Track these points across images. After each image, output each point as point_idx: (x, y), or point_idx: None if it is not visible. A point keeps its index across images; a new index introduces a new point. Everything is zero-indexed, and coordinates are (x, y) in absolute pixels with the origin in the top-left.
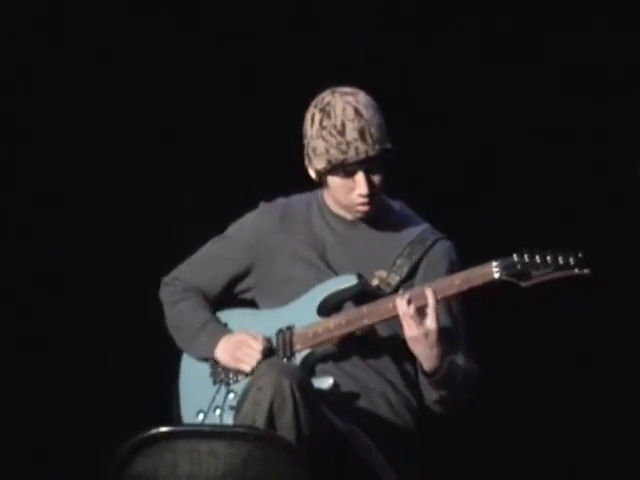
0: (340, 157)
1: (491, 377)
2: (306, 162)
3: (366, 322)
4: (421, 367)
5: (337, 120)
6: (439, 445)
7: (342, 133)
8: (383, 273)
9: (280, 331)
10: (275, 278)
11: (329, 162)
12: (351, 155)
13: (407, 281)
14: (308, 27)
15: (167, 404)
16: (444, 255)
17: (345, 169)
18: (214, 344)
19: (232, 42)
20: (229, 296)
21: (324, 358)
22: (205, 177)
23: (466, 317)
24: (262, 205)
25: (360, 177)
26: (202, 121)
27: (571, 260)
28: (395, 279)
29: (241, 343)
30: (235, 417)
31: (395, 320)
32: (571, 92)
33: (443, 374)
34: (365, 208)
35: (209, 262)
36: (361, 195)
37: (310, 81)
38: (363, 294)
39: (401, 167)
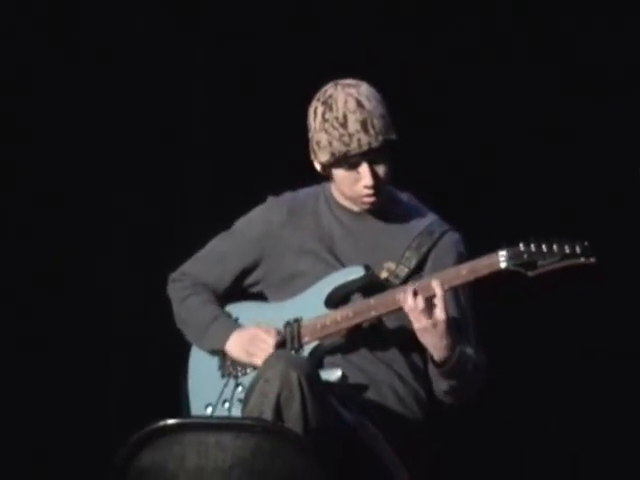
0: (343, 149)
1: (498, 368)
2: (311, 155)
3: (374, 314)
4: (431, 357)
5: (339, 112)
6: (447, 437)
7: (344, 125)
8: (392, 265)
9: (288, 323)
10: (283, 272)
11: (332, 155)
12: (354, 147)
13: (416, 273)
14: (308, 27)
15: (167, 404)
16: (452, 247)
17: (348, 161)
18: (225, 337)
19: (232, 42)
20: (237, 290)
21: (332, 350)
22: (205, 177)
23: (474, 307)
24: (270, 199)
25: (364, 169)
26: (202, 121)
27: (577, 249)
28: (404, 271)
29: (254, 337)
30: (243, 409)
31: (403, 312)
32: (571, 92)
33: (453, 364)
34: (371, 199)
35: (217, 257)
36: (366, 186)
37: (310, 81)
38: (371, 286)
39: (402, 165)
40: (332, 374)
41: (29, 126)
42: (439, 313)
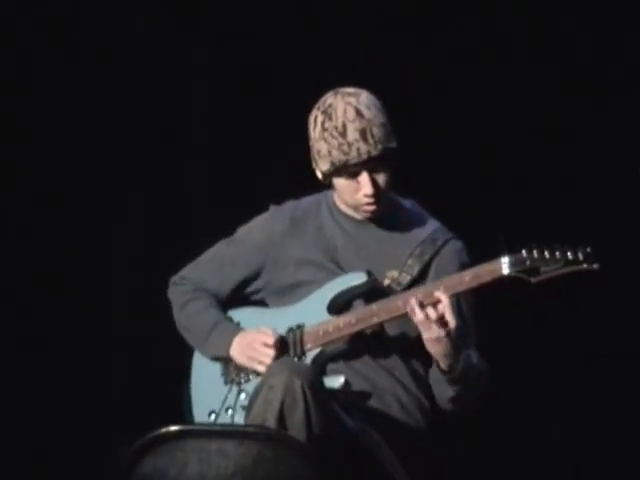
0: (342, 158)
1: (500, 374)
2: (313, 164)
3: (376, 320)
4: (438, 365)
5: (338, 121)
6: (450, 444)
7: (343, 134)
8: (395, 273)
9: (290, 330)
10: (284, 281)
11: (332, 164)
12: (353, 156)
13: (418, 281)
14: (308, 27)
15: (168, 404)
16: (455, 255)
17: (348, 170)
18: (227, 343)
19: (232, 42)
20: (238, 297)
21: (334, 357)
22: (205, 177)
23: (476, 314)
24: (272, 208)
25: (364, 177)
26: (202, 121)
27: (580, 255)
28: (406, 279)
29: (254, 342)
30: (246, 416)
31: (405, 318)
32: (571, 92)
33: (460, 370)
34: (371, 208)
35: (218, 264)
36: (366, 195)
37: (310, 80)
38: (373, 292)
39: (402, 166)
40: (335, 381)
41: (29, 126)
42: (450, 321)
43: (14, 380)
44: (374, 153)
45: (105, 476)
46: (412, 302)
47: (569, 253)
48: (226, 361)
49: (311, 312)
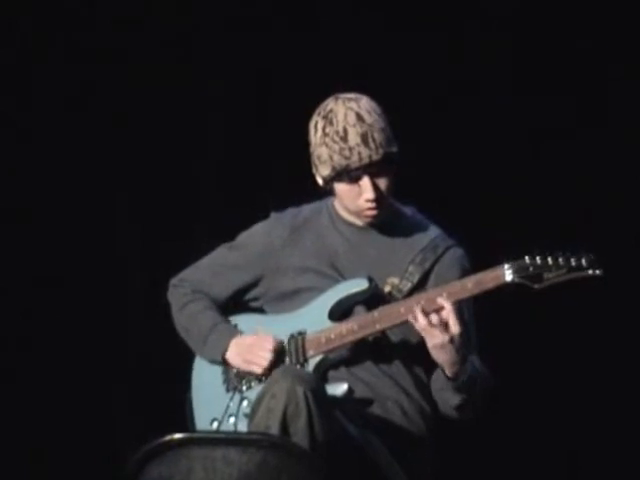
0: (344, 163)
1: (503, 381)
2: (313, 170)
3: (378, 327)
4: (443, 372)
5: (339, 126)
6: (452, 451)
7: (344, 139)
8: (395, 280)
9: (292, 336)
10: (284, 289)
11: (333, 169)
12: (354, 160)
13: (419, 288)
14: (308, 27)
15: (167, 403)
16: (456, 262)
17: (350, 175)
18: (225, 346)
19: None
20: (237, 303)
21: (336, 364)
22: (209, 181)
23: (476, 321)
24: (273, 215)
25: (365, 182)
26: (208, 127)
27: (583, 261)
28: (407, 285)
29: (252, 345)
30: (249, 424)
31: (407, 325)
32: (571, 92)
33: (467, 377)
34: (373, 212)
35: (218, 269)
36: (368, 200)
37: (312, 87)
38: (374, 299)
39: (403, 172)
40: (338, 388)
41: (29, 126)
42: (453, 327)
43: (16, 381)
44: (375, 157)
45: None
46: (415, 309)
47: (572, 259)
48: (227, 368)
49: (312, 319)
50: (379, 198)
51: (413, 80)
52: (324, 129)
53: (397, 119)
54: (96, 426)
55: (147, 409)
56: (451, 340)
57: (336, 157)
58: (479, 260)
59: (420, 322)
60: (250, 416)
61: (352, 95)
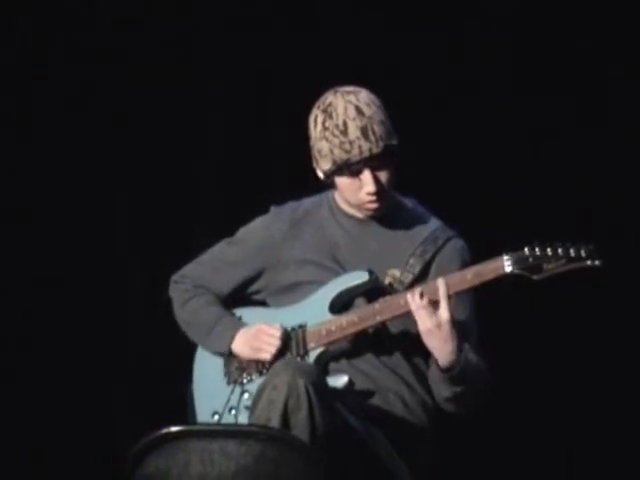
0: (344, 156)
1: (503, 373)
2: (313, 164)
3: (379, 319)
4: (436, 362)
5: (339, 120)
6: (454, 443)
7: (344, 133)
8: (396, 272)
9: (293, 329)
10: (286, 282)
11: (334, 162)
12: (355, 154)
13: (420, 280)
14: (308, 27)
15: (167, 402)
16: (456, 254)
17: (350, 168)
18: (231, 337)
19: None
20: (239, 297)
21: (337, 356)
22: (210, 177)
23: (476, 314)
24: (273, 209)
25: (366, 175)
26: (208, 124)
27: (582, 252)
28: (408, 277)
29: (259, 332)
30: (250, 416)
31: (408, 317)
32: (571, 92)
33: (459, 370)
34: (374, 205)
35: (219, 264)
36: (369, 193)
37: (311, 83)
38: (375, 291)
39: (402, 165)
40: (338, 380)
41: (29, 126)
42: (443, 313)
43: (16, 381)
44: (376, 150)
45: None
46: (414, 291)
47: (572, 250)
48: (228, 361)
49: (313, 311)
50: (380, 191)
51: (413, 80)
52: (324, 123)
53: (397, 119)
54: (96, 426)
55: (147, 409)
56: (439, 325)
57: (337, 151)
58: (478, 252)
59: (414, 302)
60: (251, 408)
61: (351, 88)
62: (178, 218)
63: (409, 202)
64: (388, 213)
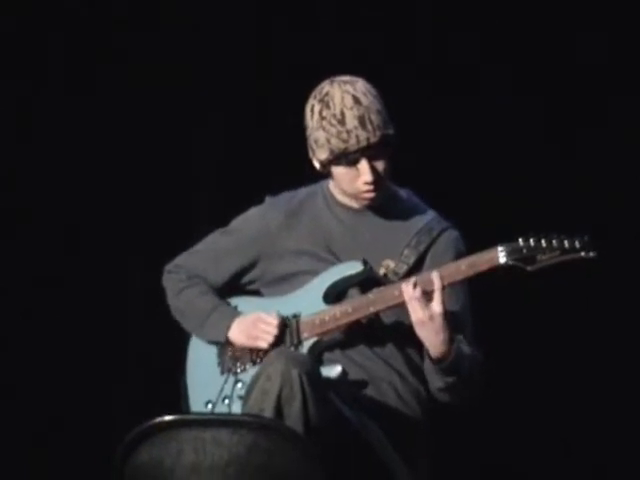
0: (342, 146)
1: (498, 365)
2: (310, 154)
3: (372, 309)
4: (428, 353)
5: (336, 109)
6: (448, 434)
7: (342, 122)
8: (391, 263)
9: (287, 319)
10: (280, 272)
11: (331, 152)
12: (352, 143)
13: (415, 271)
14: (308, 27)
15: (167, 402)
16: (451, 245)
17: (347, 158)
18: (227, 326)
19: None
20: (233, 287)
21: (331, 347)
22: (209, 178)
23: (471, 305)
24: (267, 199)
25: (363, 165)
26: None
27: (577, 243)
28: (403, 268)
29: (257, 321)
30: (243, 406)
31: (401, 307)
32: (569, 89)
33: (451, 361)
34: (371, 195)
35: (213, 254)
36: (366, 182)
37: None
38: (369, 281)
39: (402, 161)
40: (332, 370)
41: (29, 126)
42: (436, 305)
43: (16, 381)
44: (373, 140)
45: (103, 471)
46: (409, 281)
47: (566, 241)
48: (222, 351)
49: (307, 301)
50: (377, 180)
51: (413, 80)
52: (321, 112)
53: (397, 119)
54: (96, 426)
55: (147, 409)
56: (431, 317)
57: (334, 140)
58: (474, 243)
59: (407, 293)
60: (244, 398)
61: (347, 78)
62: (178, 218)
63: (404, 193)
64: (383, 204)
